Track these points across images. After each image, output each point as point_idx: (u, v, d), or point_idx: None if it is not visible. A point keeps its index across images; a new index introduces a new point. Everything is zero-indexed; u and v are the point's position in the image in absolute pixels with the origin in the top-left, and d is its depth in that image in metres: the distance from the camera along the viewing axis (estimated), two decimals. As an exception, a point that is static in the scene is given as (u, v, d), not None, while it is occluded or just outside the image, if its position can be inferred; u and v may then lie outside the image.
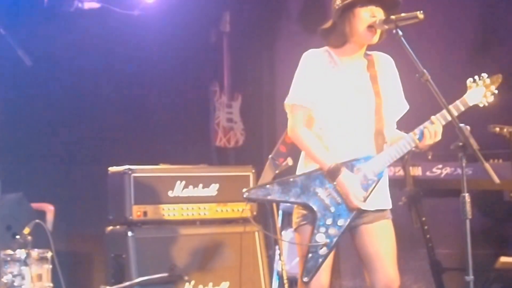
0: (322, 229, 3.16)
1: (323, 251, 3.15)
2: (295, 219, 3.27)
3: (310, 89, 3.24)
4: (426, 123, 3.19)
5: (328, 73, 3.26)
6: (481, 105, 3.25)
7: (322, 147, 3.23)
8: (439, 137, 3.18)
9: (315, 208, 3.17)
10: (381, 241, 3.27)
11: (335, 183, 3.17)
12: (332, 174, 3.17)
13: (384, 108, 3.30)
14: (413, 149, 3.26)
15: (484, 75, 3.26)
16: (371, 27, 3.20)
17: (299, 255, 3.27)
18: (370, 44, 3.28)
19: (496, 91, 3.26)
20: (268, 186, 3.22)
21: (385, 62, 3.37)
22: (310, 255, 3.16)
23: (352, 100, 3.27)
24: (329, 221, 3.17)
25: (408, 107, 3.38)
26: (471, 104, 3.21)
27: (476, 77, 3.25)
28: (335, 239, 3.16)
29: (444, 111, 3.13)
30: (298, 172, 3.31)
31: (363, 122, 3.27)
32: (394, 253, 3.31)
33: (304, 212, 3.22)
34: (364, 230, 3.26)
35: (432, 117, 3.19)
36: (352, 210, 3.18)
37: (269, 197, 3.21)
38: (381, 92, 3.29)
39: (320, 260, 3.16)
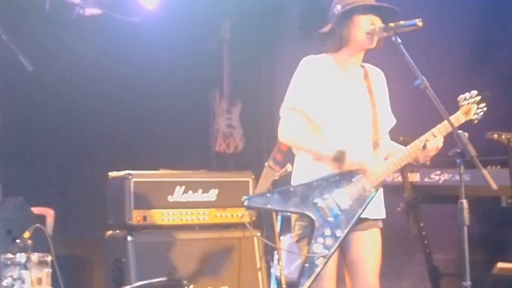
0: (320, 240, 3.16)
1: (319, 261, 3.15)
2: (297, 231, 3.27)
3: (311, 94, 3.24)
4: (428, 135, 3.23)
5: (330, 79, 3.27)
6: (475, 122, 3.31)
7: (318, 139, 3.22)
8: (439, 148, 3.24)
9: (314, 218, 3.17)
10: (368, 250, 3.29)
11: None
12: (338, 159, 3.18)
13: (380, 120, 3.34)
14: (415, 163, 3.30)
15: (474, 92, 3.31)
16: (369, 34, 3.23)
17: (300, 265, 3.27)
18: (368, 49, 3.31)
19: (486, 108, 3.32)
20: (268, 194, 3.23)
21: (378, 76, 3.41)
22: (307, 265, 3.15)
23: (355, 109, 3.29)
24: (327, 232, 3.17)
25: (395, 121, 3.44)
26: (463, 121, 3.27)
27: (467, 94, 3.30)
28: (332, 250, 3.16)
29: (443, 123, 3.20)
30: (294, 181, 3.31)
31: (364, 131, 3.30)
32: (378, 262, 3.32)
33: (304, 224, 3.22)
34: (355, 237, 3.27)
35: (433, 130, 3.24)
36: (350, 221, 3.19)
37: (268, 206, 3.20)
38: (376, 104, 3.34)
39: (316, 269, 3.15)
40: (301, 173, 3.29)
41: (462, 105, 3.29)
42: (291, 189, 3.20)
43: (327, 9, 3.40)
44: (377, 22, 3.24)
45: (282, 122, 3.28)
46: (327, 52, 3.33)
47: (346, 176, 3.21)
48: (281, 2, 6.93)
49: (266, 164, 3.42)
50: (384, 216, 3.36)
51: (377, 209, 3.32)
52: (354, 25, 3.24)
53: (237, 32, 6.74)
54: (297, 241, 3.27)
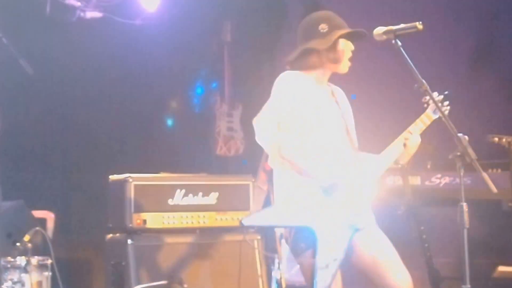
0: (326, 247, 3.15)
1: (331, 268, 3.14)
2: (297, 244, 3.23)
3: (297, 107, 3.25)
4: (405, 134, 3.32)
5: (309, 94, 3.31)
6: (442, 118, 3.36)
7: (317, 164, 3.22)
8: (418, 144, 3.35)
9: (315, 229, 3.15)
10: (377, 246, 3.27)
11: (331, 199, 3.18)
12: (327, 191, 3.18)
13: (351, 129, 3.41)
14: (399, 165, 3.37)
15: (435, 93, 3.35)
16: (349, 60, 3.36)
17: (307, 280, 3.23)
18: (340, 72, 3.39)
19: (449, 107, 3.40)
20: (266, 211, 3.23)
21: (341, 94, 3.50)
22: (319, 276, 3.12)
23: (330, 123, 3.34)
24: (331, 241, 3.16)
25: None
26: (434, 118, 3.36)
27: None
28: (339, 258, 3.16)
29: (416, 121, 3.34)
30: (278, 197, 3.29)
31: (341, 144, 3.34)
32: (395, 252, 3.28)
33: (305, 236, 3.19)
34: (357, 239, 3.24)
35: (409, 128, 3.34)
36: (351, 227, 3.19)
37: (268, 223, 3.21)
38: (344, 117, 3.42)
39: (329, 279, 3.13)
40: (286, 187, 3.27)
41: (430, 104, 3.36)
42: (288, 203, 3.18)
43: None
44: (351, 47, 3.37)
45: (284, 138, 3.22)
46: (300, 69, 3.36)
47: (336, 186, 3.22)
48: (282, 5, 6.93)
49: (255, 183, 3.44)
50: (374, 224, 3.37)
51: (369, 217, 3.33)
52: (341, 49, 3.34)
53: (238, 34, 6.74)
54: (300, 254, 3.22)
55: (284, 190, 3.27)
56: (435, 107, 3.32)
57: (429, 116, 3.36)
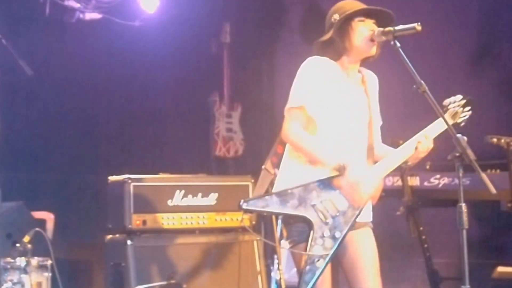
0: (319, 241, 3.14)
1: (320, 263, 3.14)
2: (293, 236, 3.23)
3: (314, 91, 3.23)
4: (419, 137, 3.27)
5: (333, 80, 3.27)
6: (461, 124, 3.35)
7: (323, 147, 3.21)
8: (430, 149, 3.29)
9: (312, 220, 3.15)
10: (364, 247, 3.28)
11: (335, 190, 3.18)
12: (339, 172, 3.17)
13: (374, 122, 3.37)
14: (404, 165, 3.33)
15: (459, 96, 3.35)
16: (372, 40, 3.24)
17: (297, 272, 3.25)
18: (368, 56, 3.32)
19: (470, 112, 3.37)
20: (266, 197, 3.19)
21: (372, 79, 3.43)
22: (307, 267, 3.13)
23: (354, 112, 3.31)
24: (326, 233, 3.16)
25: (381, 122, 3.46)
26: (450, 124, 3.26)
27: (452, 98, 3.34)
28: (332, 251, 3.15)
29: (433, 125, 3.26)
30: (280, 185, 3.28)
31: (360, 135, 3.31)
32: (377, 262, 3.30)
33: (300, 229, 3.20)
34: (348, 237, 3.24)
35: (424, 131, 3.28)
36: (348, 222, 3.19)
37: (267, 209, 3.18)
38: (371, 107, 3.36)
39: (318, 272, 3.14)
40: (290, 177, 3.27)
41: (449, 109, 3.33)
42: (289, 191, 3.17)
43: (327, 13, 3.40)
44: (375, 28, 3.25)
45: (288, 121, 3.25)
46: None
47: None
48: (281, 6, 6.94)
49: (263, 167, 3.42)
50: (371, 219, 3.36)
51: (367, 212, 3.33)
52: (353, 32, 3.26)
53: (237, 36, 6.75)
54: (292, 247, 3.24)
55: (287, 178, 3.27)
56: (453, 114, 3.29)
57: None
